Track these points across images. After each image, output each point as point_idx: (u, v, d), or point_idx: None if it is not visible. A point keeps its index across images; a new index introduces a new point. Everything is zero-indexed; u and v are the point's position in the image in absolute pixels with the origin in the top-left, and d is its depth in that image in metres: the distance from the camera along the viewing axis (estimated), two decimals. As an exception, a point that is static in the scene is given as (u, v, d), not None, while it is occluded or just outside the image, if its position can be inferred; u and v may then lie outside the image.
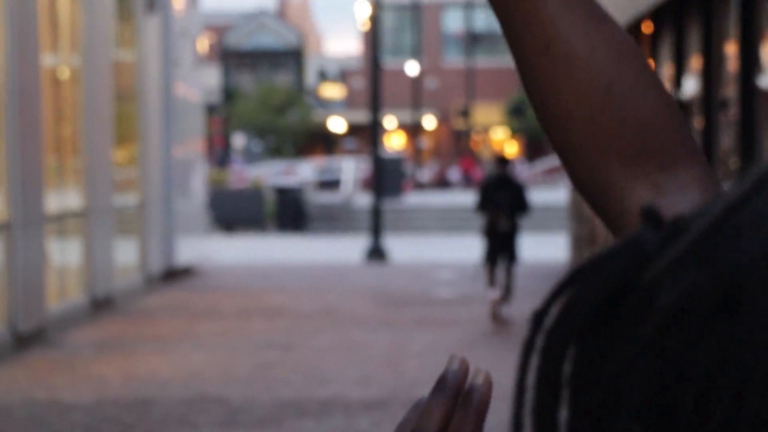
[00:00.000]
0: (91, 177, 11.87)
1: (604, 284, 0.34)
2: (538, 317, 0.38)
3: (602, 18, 0.70)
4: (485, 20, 48.13)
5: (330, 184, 32.44)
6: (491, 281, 11.71)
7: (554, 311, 0.36)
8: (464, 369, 0.59)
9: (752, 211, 0.31)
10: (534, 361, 0.36)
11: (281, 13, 60.22)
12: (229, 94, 46.56)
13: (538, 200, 15.81)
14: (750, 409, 0.30)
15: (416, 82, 44.08)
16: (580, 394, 0.37)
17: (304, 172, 34.39)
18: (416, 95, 43.04)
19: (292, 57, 52.89)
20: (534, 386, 0.36)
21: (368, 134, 23.05)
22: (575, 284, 0.35)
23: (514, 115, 47.73)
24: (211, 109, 35.17)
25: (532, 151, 48.69)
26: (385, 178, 23.60)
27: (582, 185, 0.71)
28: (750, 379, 0.30)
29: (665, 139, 0.71)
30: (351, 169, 32.89)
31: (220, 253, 18.36)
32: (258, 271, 16.64)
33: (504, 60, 42.97)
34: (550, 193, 27.72)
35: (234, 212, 26.23)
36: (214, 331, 10.84)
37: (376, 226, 19.32)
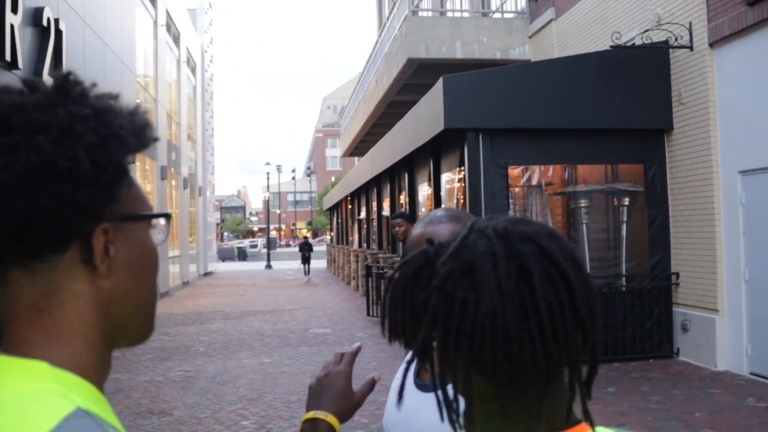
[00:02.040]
0: (184, 245, 34.28)
1: (415, 262, 0.96)
2: (390, 279, 0.96)
3: None
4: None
5: (254, 246, 70.54)
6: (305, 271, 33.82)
7: (395, 276, 0.96)
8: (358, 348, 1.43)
9: (469, 239, 0.90)
10: (387, 299, 0.97)
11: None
12: (222, 220, 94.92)
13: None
14: (469, 313, 0.84)
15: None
16: (407, 308, 0.94)
17: (245, 243, 71.58)
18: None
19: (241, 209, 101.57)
20: (392, 308, 0.97)
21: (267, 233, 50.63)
22: (405, 263, 0.97)
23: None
24: (217, 224, 71.71)
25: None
26: (273, 244, 54.60)
27: None
28: (466, 299, 0.85)
29: None
30: (260, 242, 70.95)
31: (219, 267, 42.58)
32: (232, 273, 38.90)
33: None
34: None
35: (224, 254, 57.80)
36: (219, 291, 28.93)
37: (268, 257, 43.76)
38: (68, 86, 0.83)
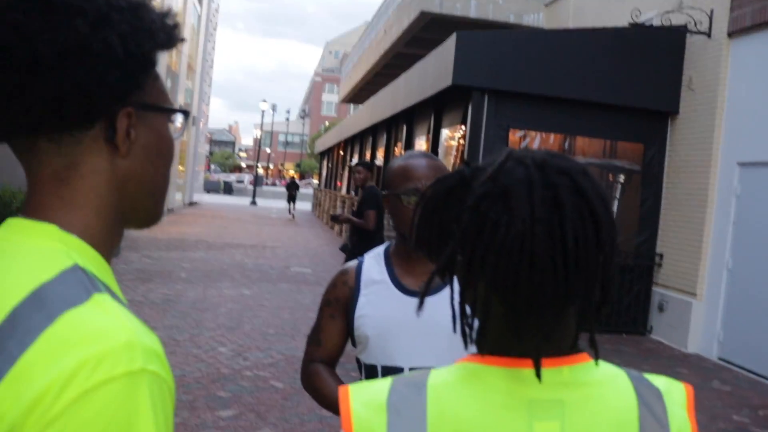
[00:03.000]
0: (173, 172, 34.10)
1: (450, 180, 1.02)
2: (424, 194, 1.03)
3: None
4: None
5: (241, 181, 70.28)
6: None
7: (428, 192, 1.04)
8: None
9: (507, 165, 0.95)
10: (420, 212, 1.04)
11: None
12: (211, 153, 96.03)
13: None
14: (503, 229, 0.91)
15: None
16: (437, 223, 1.01)
17: (232, 177, 72.72)
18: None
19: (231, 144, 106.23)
20: (422, 221, 1.04)
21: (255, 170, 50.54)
22: (440, 181, 1.03)
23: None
24: (206, 156, 70.97)
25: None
26: (259, 181, 55.26)
27: None
28: (498, 220, 0.92)
29: None
30: (247, 178, 69.75)
31: (205, 199, 42.37)
32: (216, 205, 38.75)
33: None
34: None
35: (210, 187, 57.19)
36: (203, 222, 30.20)
37: (254, 193, 43.69)
38: None
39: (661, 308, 10.40)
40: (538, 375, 0.96)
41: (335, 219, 9.03)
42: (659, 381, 1.07)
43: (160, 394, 0.79)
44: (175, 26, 0.96)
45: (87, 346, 0.76)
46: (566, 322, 1.00)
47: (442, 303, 1.90)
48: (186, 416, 5.58)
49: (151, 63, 0.93)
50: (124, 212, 0.96)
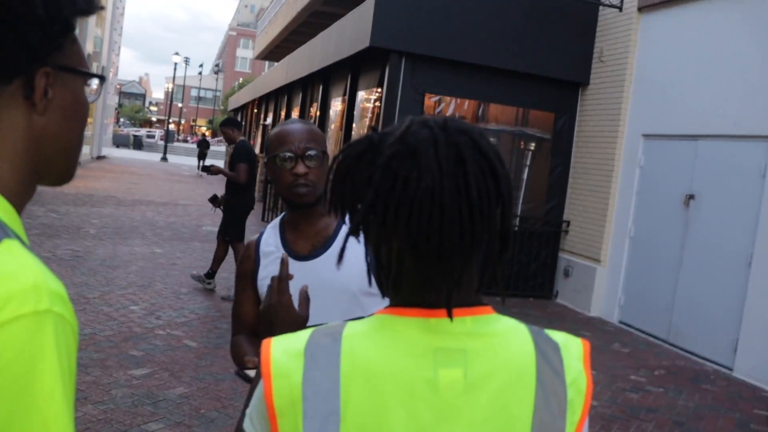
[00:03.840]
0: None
1: (360, 145, 1.08)
2: (336, 158, 1.08)
3: None
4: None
5: (151, 136, 68.14)
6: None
7: (339, 157, 1.09)
8: (286, 260, 1.71)
9: (412, 128, 1.05)
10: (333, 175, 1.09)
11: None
12: (120, 105, 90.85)
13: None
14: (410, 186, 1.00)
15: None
16: (353, 188, 1.06)
17: (142, 132, 69.72)
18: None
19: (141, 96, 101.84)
20: (335, 185, 1.08)
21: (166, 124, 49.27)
22: (350, 146, 1.09)
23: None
24: (114, 109, 68.41)
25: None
26: (171, 137, 53.49)
27: None
28: (408, 176, 1.00)
29: None
30: (158, 133, 68.42)
31: (113, 153, 40.82)
32: (126, 160, 37.69)
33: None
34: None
35: (119, 141, 56.21)
36: (112, 177, 29.35)
37: (165, 149, 42.97)
38: None
39: (566, 273, 10.78)
40: (450, 316, 1.04)
41: (207, 170, 9.10)
42: (558, 336, 1.14)
43: (65, 334, 0.82)
44: None
45: None
46: (470, 273, 1.08)
47: (325, 264, 2.11)
48: (98, 375, 5.52)
49: (71, 26, 0.97)
50: (38, 169, 1.00)
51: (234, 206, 8.82)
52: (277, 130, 2.20)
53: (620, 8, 10.15)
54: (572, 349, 1.13)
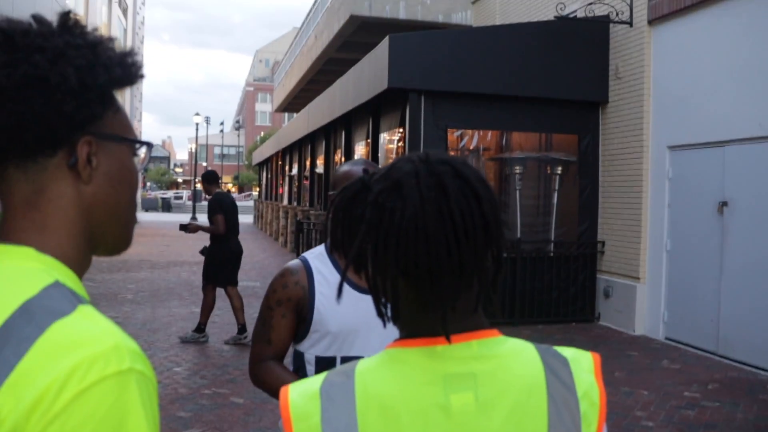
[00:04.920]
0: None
1: (355, 187, 1.15)
2: (333, 199, 1.20)
3: None
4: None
5: (179, 197, 68.80)
6: None
7: (336, 199, 1.17)
8: None
9: (397, 164, 1.13)
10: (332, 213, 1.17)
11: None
12: (146, 170, 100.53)
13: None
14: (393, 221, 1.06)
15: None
16: (347, 224, 1.15)
17: (169, 194, 70.90)
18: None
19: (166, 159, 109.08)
20: (334, 224, 1.16)
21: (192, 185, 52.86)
22: (346, 188, 1.17)
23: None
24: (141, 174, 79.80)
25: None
26: (198, 196, 53.89)
27: None
28: (393, 208, 1.07)
29: None
30: (185, 194, 67.96)
31: (144, 217, 41.40)
32: (156, 223, 37.73)
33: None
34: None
35: (148, 205, 58.02)
36: (144, 241, 29.42)
37: (194, 209, 42.88)
38: (68, 22, 1.00)
39: (606, 294, 10.65)
40: (448, 338, 1.09)
41: (184, 228, 9.38)
42: (567, 351, 1.18)
43: (147, 390, 0.87)
44: (134, 64, 1.04)
45: (79, 350, 0.84)
46: (469, 297, 1.12)
47: None
48: (148, 440, 5.52)
49: (110, 95, 1.01)
50: (93, 237, 1.04)
51: (215, 254, 9.21)
52: (344, 170, 2.34)
53: (630, 23, 10.16)
54: (582, 362, 1.17)
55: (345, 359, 2.20)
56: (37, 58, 0.93)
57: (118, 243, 1.08)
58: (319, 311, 2.24)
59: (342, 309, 2.20)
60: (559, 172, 11.36)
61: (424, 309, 1.10)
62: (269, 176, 34.28)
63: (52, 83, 0.93)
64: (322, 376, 1.13)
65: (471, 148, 11.59)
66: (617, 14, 10.29)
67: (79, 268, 1.01)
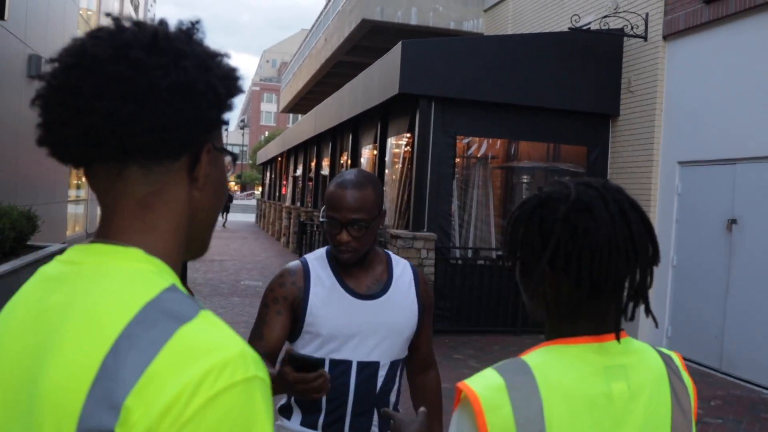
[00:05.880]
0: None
1: (531, 203, 1.34)
2: (512, 214, 1.39)
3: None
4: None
5: None
6: None
7: (516, 212, 1.36)
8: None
9: (580, 188, 1.30)
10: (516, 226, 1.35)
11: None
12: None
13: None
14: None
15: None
16: (524, 237, 1.34)
17: None
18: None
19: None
20: (512, 234, 1.35)
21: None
22: (523, 204, 1.37)
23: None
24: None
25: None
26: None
27: None
28: (587, 228, 1.26)
29: None
30: None
31: None
32: None
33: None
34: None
35: None
36: None
37: None
38: (190, 30, 1.02)
39: (610, 306, 10.62)
40: (618, 339, 1.31)
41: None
42: (665, 350, 1.43)
43: (268, 395, 0.90)
44: (240, 78, 1.06)
45: (208, 356, 0.86)
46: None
47: (384, 306, 2.25)
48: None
49: (232, 107, 1.04)
50: (188, 241, 1.05)
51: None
52: (332, 191, 2.27)
53: (645, 38, 10.16)
54: (677, 360, 1.42)
55: (334, 362, 2.26)
56: (186, 64, 0.94)
57: (203, 248, 1.09)
58: (311, 312, 2.27)
59: (335, 312, 2.25)
60: (566, 183, 11.33)
61: (576, 315, 1.30)
62: (273, 176, 34.29)
63: (200, 90, 0.95)
64: (493, 372, 1.26)
65: (479, 155, 11.58)
66: (632, 28, 10.29)
67: (177, 270, 1.02)
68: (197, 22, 1.03)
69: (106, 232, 0.99)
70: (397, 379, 2.35)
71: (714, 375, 8.61)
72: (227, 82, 1.00)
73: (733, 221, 8.66)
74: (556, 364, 1.27)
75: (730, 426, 6.60)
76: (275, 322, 2.30)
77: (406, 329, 2.31)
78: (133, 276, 0.94)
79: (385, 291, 2.31)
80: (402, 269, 2.40)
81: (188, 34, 1.01)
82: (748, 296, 8.37)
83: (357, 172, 2.32)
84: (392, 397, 2.33)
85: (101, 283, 0.93)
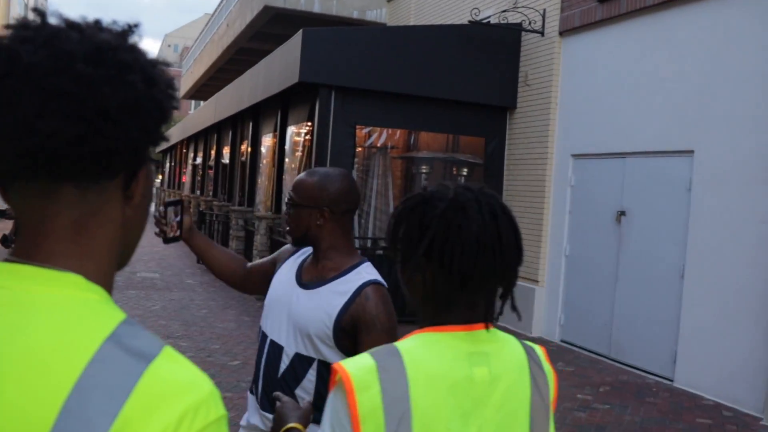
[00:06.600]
0: None
1: (414, 200, 1.48)
2: (396, 209, 1.53)
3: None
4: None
5: None
6: None
7: (399, 207, 1.50)
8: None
9: (458, 190, 1.44)
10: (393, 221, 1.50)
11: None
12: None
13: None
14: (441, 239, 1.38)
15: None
16: (405, 231, 1.46)
17: None
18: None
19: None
20: (395, 227, 1.48)
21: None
22: (407, 200, 1.50)
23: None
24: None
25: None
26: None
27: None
28: (460, 224, 1.39)
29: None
30: None
31: None
32: None
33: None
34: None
35: None
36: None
37: None
38: (129, 33, 0.94)
39: (506, 295, 10.83)
40: (488, 329, 1.43)
41: (2, 214, 9.68)
42: (528, 342, 1.55)
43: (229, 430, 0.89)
44: (176, 88, 0.99)
45: (182, 397, 0.82)
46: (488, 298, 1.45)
47: (304, 298, 2.38)
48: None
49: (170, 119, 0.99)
50: (119, 257, 0.98)
51: None
52: (301, 178, 2.51)
53: (542, 33, 10.38)
54: (540, 351, 1.54)
55: (262, 333, 2.49)
56: (133, 79, 0.87)
57: (125, 261, 1.01)
58: (274, 279, 2.55)
59: (275, 286, 2.49)
60: (465, 173, 11.51)
61: (459, 304, 1.41)
62: (172, 164, 33.55)
63: (147, 108, 0.88)
64: (366, 355, 1.37)
65: (378, 145, 11.61)
66: (530, 23, 10.50)
67: (111, 292, 0.95)
68: (135, 25, 0.94)
69: (33, 255, 0.89)
70: (314, 381, 2.28)
71: (603, 361, 8.90)
72: (169, 94, 0.93)
73: (622, 213, 8.96)
74: (424, 349, 1.38)
75: (617, 411, 6.83)
76: (264, 262, 2.74)
77: (310, 328, 2.28)
78: (81, 307, 0.86)
79: (316, 287, 2.36)
80: (354, 280, 2.33)
81: (125, 37, 0.92)
82: (635, 285, 8.69)
83: (331, 167, 2.69)
84: (306, 397, 2.25)
85: (42, 316, 0.84)
